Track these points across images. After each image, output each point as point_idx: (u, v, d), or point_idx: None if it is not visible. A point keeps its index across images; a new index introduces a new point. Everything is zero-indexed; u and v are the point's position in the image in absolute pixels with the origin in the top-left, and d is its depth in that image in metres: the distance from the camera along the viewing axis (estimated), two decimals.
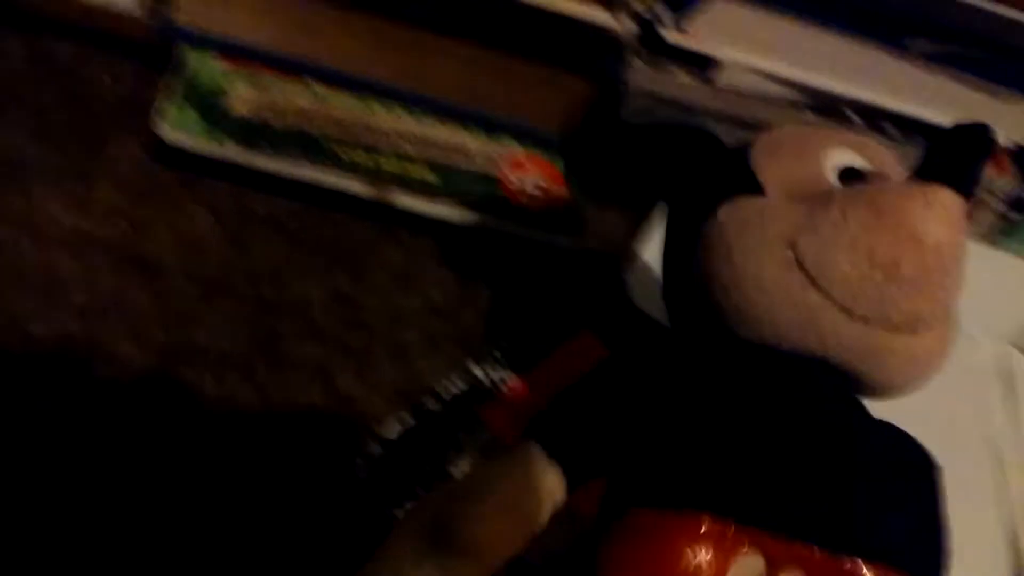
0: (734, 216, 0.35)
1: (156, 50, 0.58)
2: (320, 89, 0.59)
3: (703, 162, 0.40)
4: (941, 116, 0.62)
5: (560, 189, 0.60)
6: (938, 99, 0.61)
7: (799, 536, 0.30)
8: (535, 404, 0.53)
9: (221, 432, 0.49)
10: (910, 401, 0.55)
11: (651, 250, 0.58)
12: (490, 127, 0.61)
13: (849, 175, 0.35)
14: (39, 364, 0.48)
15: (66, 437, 0.47)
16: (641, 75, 0.60)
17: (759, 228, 0.34)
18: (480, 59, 0.60)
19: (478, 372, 0.54)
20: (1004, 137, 0.63)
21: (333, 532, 0.47)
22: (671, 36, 0.58)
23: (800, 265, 0.32)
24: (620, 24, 0.57)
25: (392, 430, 0.50)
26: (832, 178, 0.35)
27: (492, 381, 0.53)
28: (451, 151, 0.59)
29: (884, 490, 0.32)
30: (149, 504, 0.46)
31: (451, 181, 0.58)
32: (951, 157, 0.31)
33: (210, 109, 0.56)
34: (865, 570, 0.30)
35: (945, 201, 0.30)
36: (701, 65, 0.60)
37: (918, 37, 0.57)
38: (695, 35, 0.58)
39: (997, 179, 0.64)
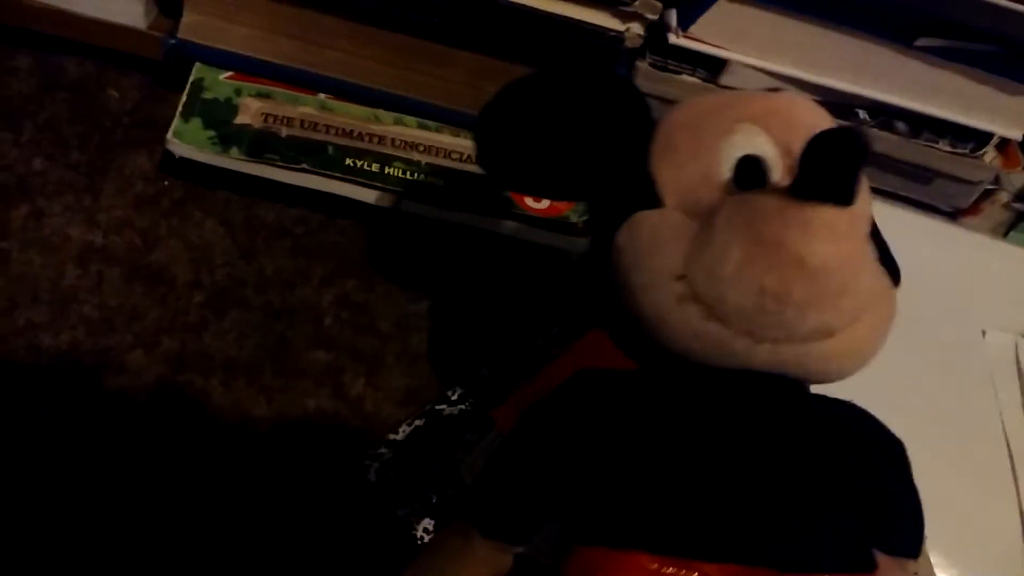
0: (629, 241, 0.34)
1: (164, 65, 0.59)
2: (327, 100, 0.59)
3: (614, 157, 0.37)
4: (950, 112, 0.61)
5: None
6: (947, 95, 0.61)
7: (741, 560, 0.30)
8: None
9: (230, 438, 0.49)
10: (921, 395, 0.56)
11: None
12: None
13: (747, 167, 0.33)
14: (49, 374, 0.49)
15: (76, 446, 0.47)
16: (647, 78, 0.60)
17: (652, 258, 0.33)
18: (486, 67, 0.60)
19: (487, 374, 0.54)
20: (1014, 130, 0.62)
21: (342, 534, 0.47)
22: (676, 39, 0.58)
23: (695, 297, 0.31)
24: (626, 28, 0.57)
25: (401, 432, 0.50)
26: (726, 178, 0.33)
27: (501, 383, 0.53)
28: (458, 157, 0.59)
29: (829, 493, 0.32)
30: (159, 509, 0.46)
31: (459, 186, 0.58)
32: (826, 167, 0.29)
33: (219, 121, 0.56)
34: None
35: (824, 219, 0.29)
36: (707, 66, 0.60)
37: (926, 34, 0.57)
38: (700, 36, 0.58)
39: (1007, 172, 0.64)
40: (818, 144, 0.29)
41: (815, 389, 0.35)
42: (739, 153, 0.33)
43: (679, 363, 0.33)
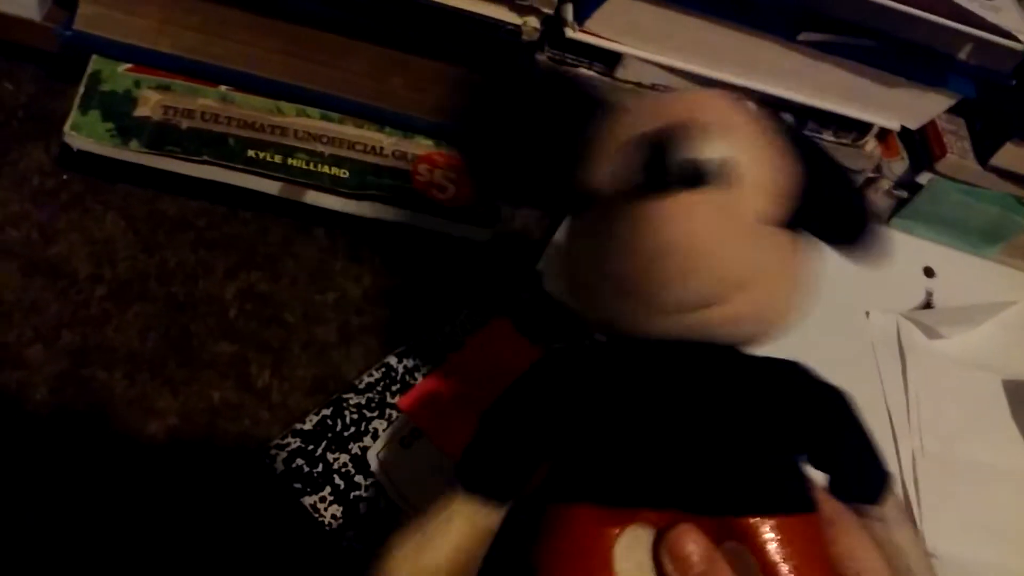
0: (568, 237, 0.37)
1: (59, 57, 0.58)
2: (228, 92, 0.59)
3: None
4: (833, 104, 0.64)
5: (471, 182, 0.61)
6: (830, 87, 0.63)
7: (686, 509, 0.32)
8: (450, 392, 0.54)
9: (134, 431, 0.49)
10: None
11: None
12: (398, 124, 0.62)
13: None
14: None
15: None
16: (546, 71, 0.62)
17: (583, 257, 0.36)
18: (387, 59, 0.61)
19: (394, 363, 0.54)
20: (893, 121, 0.65)
21: (249, 525, 0.48)
22: (572, 33, 0.60)
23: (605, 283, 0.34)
24: (523, 22, 0.58)
25: (308, 422, 0.51)
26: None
27: (408, 371, 0.54)
28: (361, 148, 0.60)
29: (764, 442, 0.34)
30: (61, 505, 0.46)
31: (362, 177, 0.59)
32: (663, 159, 0.31)
33: (117, 114, 0.56)
34: (753, 524, 0.32)
35: (675, 204, 0.31)
36: (603, 60, 0.62)
37: (808, 29, 0.59)
38: (595, 31, 0.60)
39: (887, 161, 0.67)
40: (663, 134, 0.31)
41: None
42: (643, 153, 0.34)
43: (621, 338, 0.35)
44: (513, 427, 0.36)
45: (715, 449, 0.33)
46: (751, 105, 0.37)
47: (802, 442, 0.35)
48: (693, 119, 0.34)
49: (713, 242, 0.32)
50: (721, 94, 0.37)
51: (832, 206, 0.38)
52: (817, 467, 0.36)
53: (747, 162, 0.33)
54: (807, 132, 0.65)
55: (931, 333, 0.65)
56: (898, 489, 0.56)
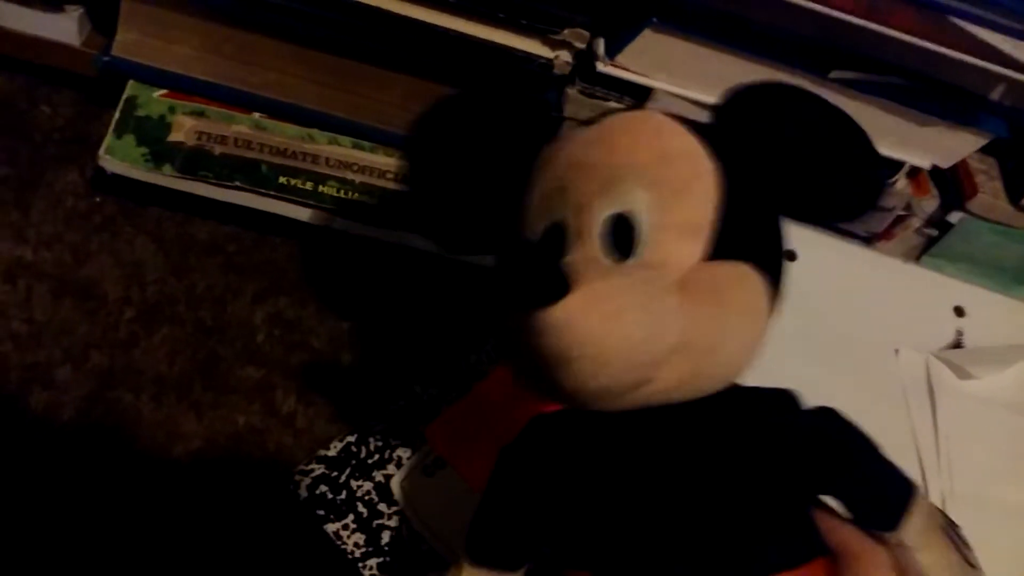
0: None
1: (97, 82, 0.59)
2: (261, 119, 0.60)
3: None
4: None
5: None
6: (861, 125, 0.63)
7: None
8: (474, 421, 0.53)
9: (160, 454, 0.49)
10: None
11: None
12: None
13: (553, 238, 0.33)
14: None
15: (1, 460, 0.47)
16: (576, 104, 0.62)
17: None
18: (420, 89, 0.61)
19: (419, 391, 0.54)
20: (924, 160, 0.65)
21: (272, 551, 0.47)
22: (603, 67, 0.60)
23: None
24: (555, 56, 0.59)
25: (333, 448, 0.51)
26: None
27: (434, 399, 0.54)
28: (392, 177, 0.60)
29: (756, 495, 0.32)
30: (86, 526, 0.46)
31: (392, 205, 0.59)
32: (515, 281, 0.29)
33: (152, 138, 0.57)
34: None
35: (541, 320, 0.28)
36: (633, 94, 0.62)
37: (839, 67, 0.59)
38: (626, 65, 0.60)
39: (917, 199, 0.67)
40: (504, 263, 0.31)
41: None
42: (545, 222, 0.33)
43: None
44: (509, 500, 0.36)
45: (707, 509, 0.32)
46: (680, 126, 0.34)
47: (804, 479, 0.34)
48: (605, 166, 0.32)
49: (611, 338, 0.29)
50: (643, 118, 0.34)
51: (814, 185, 0.34)
52: (832, 496, 0.35)
53: (659, 210, 0.30)
54: None
55: (961, 373, 0.64)
56: None
